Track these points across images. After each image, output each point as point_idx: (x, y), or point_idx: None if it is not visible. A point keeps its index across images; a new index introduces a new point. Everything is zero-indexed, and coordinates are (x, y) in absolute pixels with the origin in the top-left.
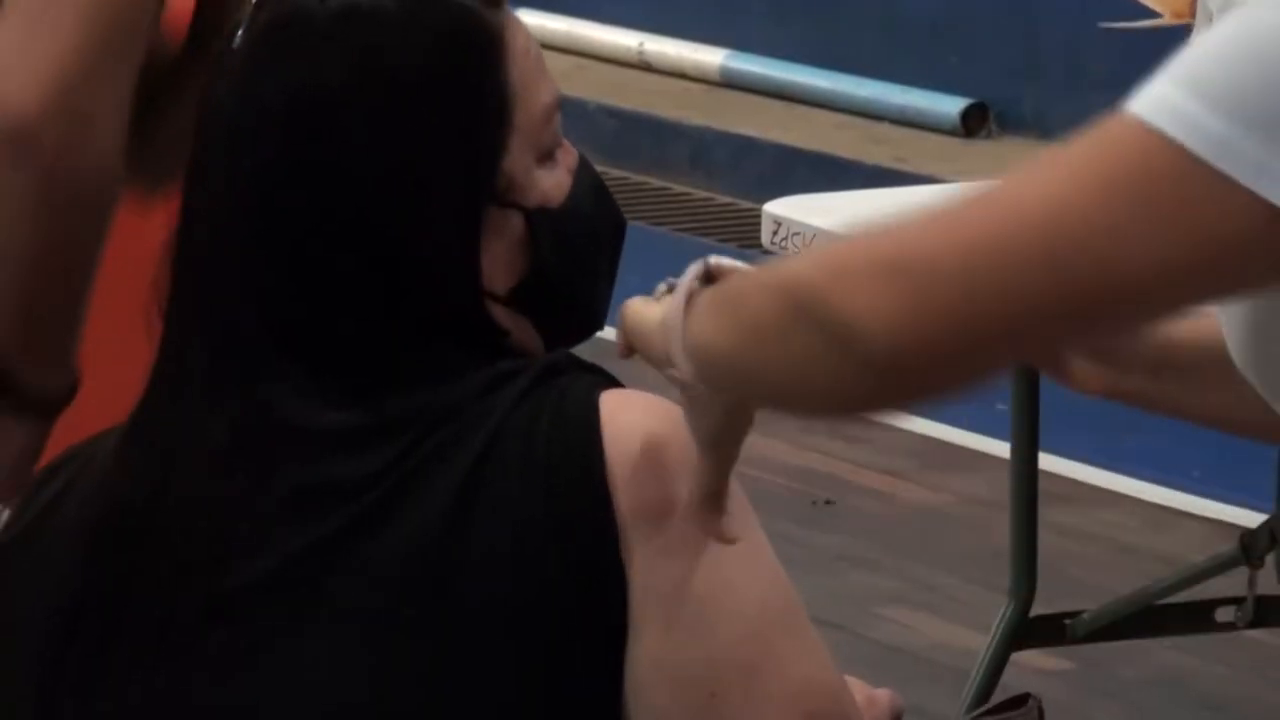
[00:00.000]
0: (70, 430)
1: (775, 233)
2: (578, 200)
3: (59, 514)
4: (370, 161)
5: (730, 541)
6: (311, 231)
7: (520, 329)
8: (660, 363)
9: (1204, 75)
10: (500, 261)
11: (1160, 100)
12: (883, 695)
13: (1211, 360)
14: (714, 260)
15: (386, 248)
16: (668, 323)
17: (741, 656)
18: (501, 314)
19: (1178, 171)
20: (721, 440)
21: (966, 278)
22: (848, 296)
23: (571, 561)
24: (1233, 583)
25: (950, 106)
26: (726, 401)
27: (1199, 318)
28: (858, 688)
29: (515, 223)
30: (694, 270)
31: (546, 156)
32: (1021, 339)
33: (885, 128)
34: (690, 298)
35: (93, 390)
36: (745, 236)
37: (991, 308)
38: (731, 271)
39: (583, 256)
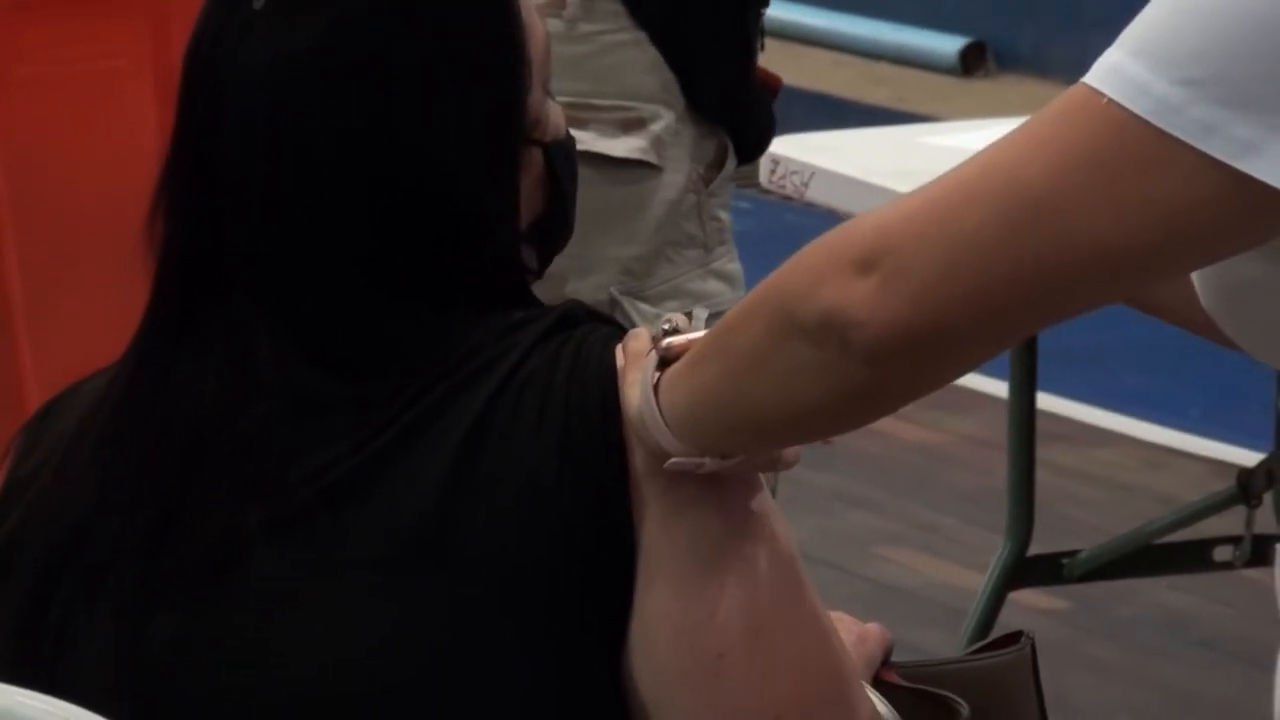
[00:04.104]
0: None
1: (773, 172)
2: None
3: (55, 453)
4: (419, 104)
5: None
6: (363, 174)
7: (529, 264)
8: (660, 458)
9: (1149, 38)
10: (524, 198)
11: (1108, 67)
12: (873, 630)
13: None
14: (665, 342)
15: (435, 188)
16: (645, 421)
17: (750, 620)
18: (525, 253)
19: (1126, 137)
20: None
21: (930, 261)
22: (826, 294)
23: (583, 512)
24: (1230, 522)
25: (948, 45)
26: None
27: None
28: (846, 624)
29: (536, 158)
30: (649, 363)
31: (547, 88)
32: (994, 318)
33: (883, 67)
34: (656, 387)
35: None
36: (743, 175)
37: (957, 290)
38: (686, 343)
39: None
